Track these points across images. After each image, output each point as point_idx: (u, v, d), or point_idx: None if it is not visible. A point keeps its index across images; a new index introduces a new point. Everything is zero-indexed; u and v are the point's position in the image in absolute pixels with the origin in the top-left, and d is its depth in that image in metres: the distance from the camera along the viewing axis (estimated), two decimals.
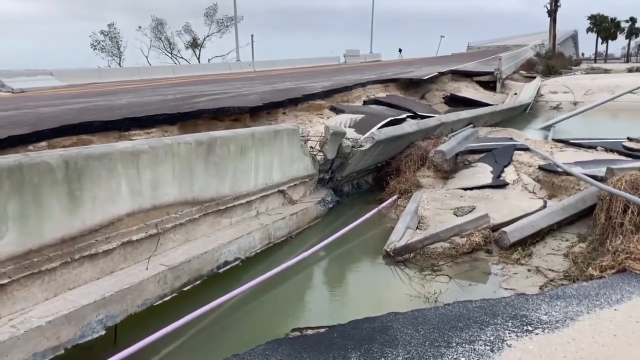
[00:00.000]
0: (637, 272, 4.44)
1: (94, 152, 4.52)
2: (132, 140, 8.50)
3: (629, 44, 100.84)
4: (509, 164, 8.61)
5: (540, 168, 8.10)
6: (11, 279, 3.88)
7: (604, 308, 3.46)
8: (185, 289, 5.24)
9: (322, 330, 3.40)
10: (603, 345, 3.02)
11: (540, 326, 3.20)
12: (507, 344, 3.03)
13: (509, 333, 3.14)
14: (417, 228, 7.17)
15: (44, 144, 7.59)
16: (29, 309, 4.00)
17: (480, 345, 3.00)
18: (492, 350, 2.95)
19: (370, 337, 3.14)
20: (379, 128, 11.68)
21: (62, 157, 4.21)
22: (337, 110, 14.29)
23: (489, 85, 25.91)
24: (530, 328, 3.18)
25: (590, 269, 4.90)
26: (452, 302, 3.87)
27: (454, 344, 3.02)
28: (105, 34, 52.61)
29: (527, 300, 3.63)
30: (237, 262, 6.01)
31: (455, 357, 2.88)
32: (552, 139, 10.75)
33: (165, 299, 4.99)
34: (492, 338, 3.08)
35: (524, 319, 3.26)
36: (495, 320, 3.25)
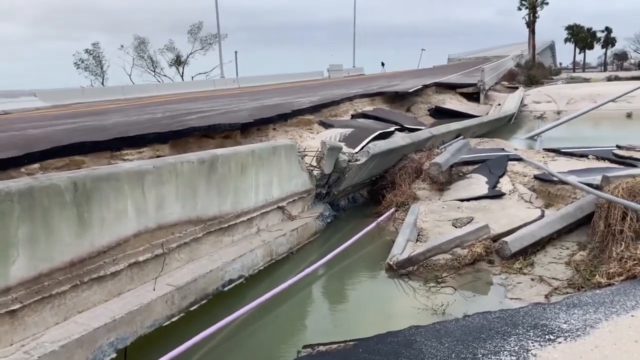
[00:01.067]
0: None
1: (101, 173, 4.48)
2: (124, 160, 8.48)
3: (605, 53, 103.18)
4: (503, 174, 8.71)
5: (536, 177, 8.20)
6: (22, 304, 3.82)
7: (621, 315, 3.50)
8: (192, 308, 5.20)
9: (346, 345, 3.38)
10: (626, 351, 3.05)
11: (562, 335, 3.22)
12: (531, 353, 3.05)
13: (532, 343, 3.17)
14: (417, 240, 7.20)
15: (36, 166, 7.49)
16: (40, 334, 3.93)
17: (506, 356, 3.01)
18: None
19: (396, 351, 3.14)
20: (368, 141, 11.78)
21: (70, 179, 4.17)
22: (326, 125, 14.36)
23: (473, 96, 26.26)
24: (552, 337, 3.21)
25: (597, 276, 4.96)
26: (471, 313, 3.89)
27: (480, 356, 3.03)
28: (90, 52, 52.32)
29: (545, 309, 3.66)
30: (241, 280, 5.99)
31: None
32: (543, 149, 10.90)
33: (173, 319, 4.95)
34: (516, 348, 3.10)
35: (545, 328, 3.28)
36: (517, 331, 3.27)
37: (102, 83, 51.93)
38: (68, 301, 4.22)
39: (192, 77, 53.60)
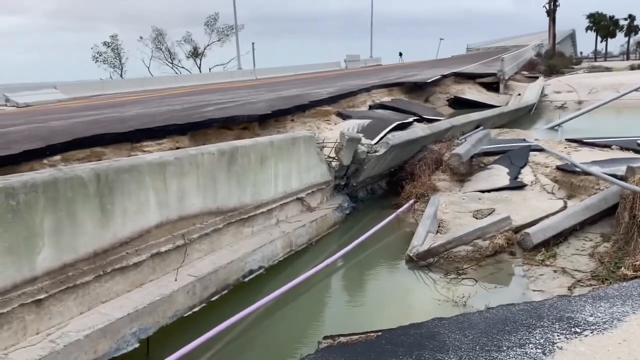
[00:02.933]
0: None
1: (124, 164, 4.51)
2: (144, 151, 8.54)
3: (628, 42, 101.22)
4: (525, 165, 8.60)
5: (558, 168, 8.08)
6: (48, 294, 3.87)
7: None
8: (213, 299, 5.23)
9: (368, 336, 3.37)
10: None
11: (588, 328, 3.18)
12: (557, 346, 3.01)
13: (557, 335, 3.12)
14: (437, 232, 7.15)
15: (58, 157, 7.58)
16: (64, 324, 3.99)
17: (532, 349, 2.97)
18: (544, 353, 2.92)
19: (419, 343, 3.12)
20: (387, 132, 11.73)
21: (93, 171, 4.21)
22: (343, 116, 14.32)
23: (492, 86, 25.93)
24: (578, 330, 3.16)
25: (622, 269, 4.88)
26: (494, 305, 3.85)
27: (505, 348, 3.00)
28: (108, 45, 52.72)
29: (570, 301, 3.61)
30: (261, 271, 6.01)
31: None
32: (565, 139, 10.72)
33: (195, 309, 4.98)
34: (541, 341, 3.06)
35: (571, 320, 3.24)
36: (542, 323, 3.23)
37: (121, 75, 52.36)
38: (92, 291, 4.27)
39: (210, 69, 53.86)
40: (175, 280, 4.93)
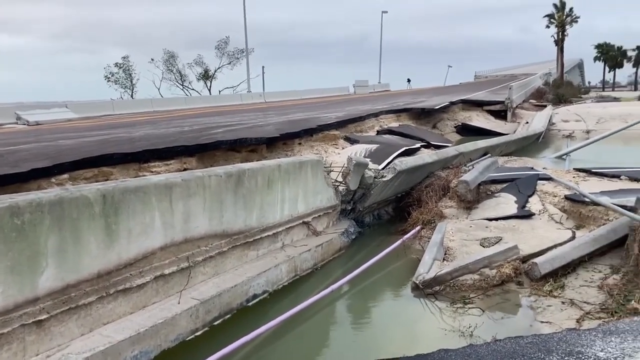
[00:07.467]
0: None
1: (130, 185, 4.51)
2: (152, 171, 8.56)
3: (636, 72, 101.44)
4: (533, 193, 8.54)
5: (567, 198, 8.01)
6: (49, 315, 3.84)
7: None
8: (216, 323, 5.18)
9: None
10: None
11: None
12: None
13: None
14: (443, 259, 7.07)
15: (65, 176, 7.62)
16: (65, 345, 3.95)
17: None
18: None
19: None
20: (394, 158, 11.72)
21: (99, 191, 4.20)
22: (351, 141, 14.36)
23: (500, 114, 25.99)
24: None
25: (633, 302, 4.80)
26: (502, 337, 3.77)
27: None
28: (120, 66, 53.37)
29: (580, 335, 3.53)
30: (265, 295, 5.95)
31: None
32: (574, 169, 10.66)
33: (197, 333, 4.93)
34: None
35: (580, 355, 3.16)
36: (551, 357, 3.15)
37: (132, 96, 52.88)
38: (94, 312, 4.23)
39: (220, 91, 54.21)
40: (179, 303, 4.88)
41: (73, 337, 4.05)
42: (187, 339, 4.80)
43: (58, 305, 3.90)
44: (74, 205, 3.99)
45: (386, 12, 64.97)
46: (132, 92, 53.96)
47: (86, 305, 4.14)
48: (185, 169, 8.91)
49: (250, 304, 5.69)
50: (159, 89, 55.49)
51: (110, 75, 53.23)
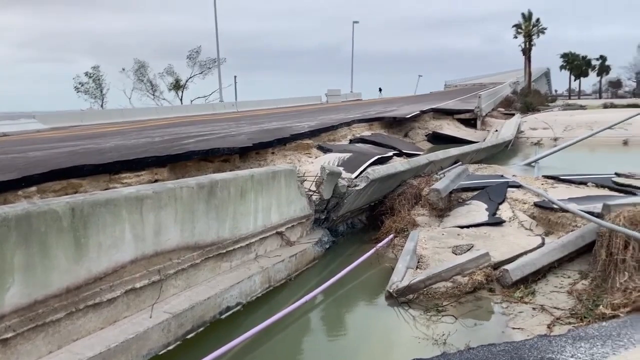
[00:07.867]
0: None
1: (100, 198, 4.43)
2: (123, 183, 8.43)
3: (600, 81, 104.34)
4: (503, 201, 8.68)
5: (536, 205, 8.16)
6: (15, 333, 3.73)
7: (629, 348, 3.43)
8: (189, 336, 5.11)
9: None
10: None
11: None
12: None
13: None
14: (417, 267, 7.12)
15: (33, 189, 7.44)
16: None
17: None
18: None
19: None
20: (367, 166, 11.79)
21: (68, 205, 4.12)
22: (324, 150, 14.39)
23: (470, 122, 26.42)
24: None
25: (601, 307, 4.89)
26: (475, 345, 3.81)
27: None
28: (90, 75, 52.64)
29: (551, 342, 3.58)
30: (238, 307, 5.90)
31: None
32: (542, 176, 10.87)
33: (170, 347, 4.86)
34: None
35: None
36: None
37: (102, 106, 52.15)
38: (63, 329, 4.13)
39: (191, 101, 53.91)
40: (150, 317, 4.80)
41: (41, 355, 3.94)
42: (160, 354, 4.72)
43: (25, 323, 3.80)
44: (41, 219, 3.90)
45: (357, 22, 65.57)
46: (103, 103, 53.27)
47: (54, 322, 4.04)
48: (156, 180, 8.81)
49: (223, 316, 5.63)
50: (129, 99, 54.94)
51: (80, 85, 52.51)
